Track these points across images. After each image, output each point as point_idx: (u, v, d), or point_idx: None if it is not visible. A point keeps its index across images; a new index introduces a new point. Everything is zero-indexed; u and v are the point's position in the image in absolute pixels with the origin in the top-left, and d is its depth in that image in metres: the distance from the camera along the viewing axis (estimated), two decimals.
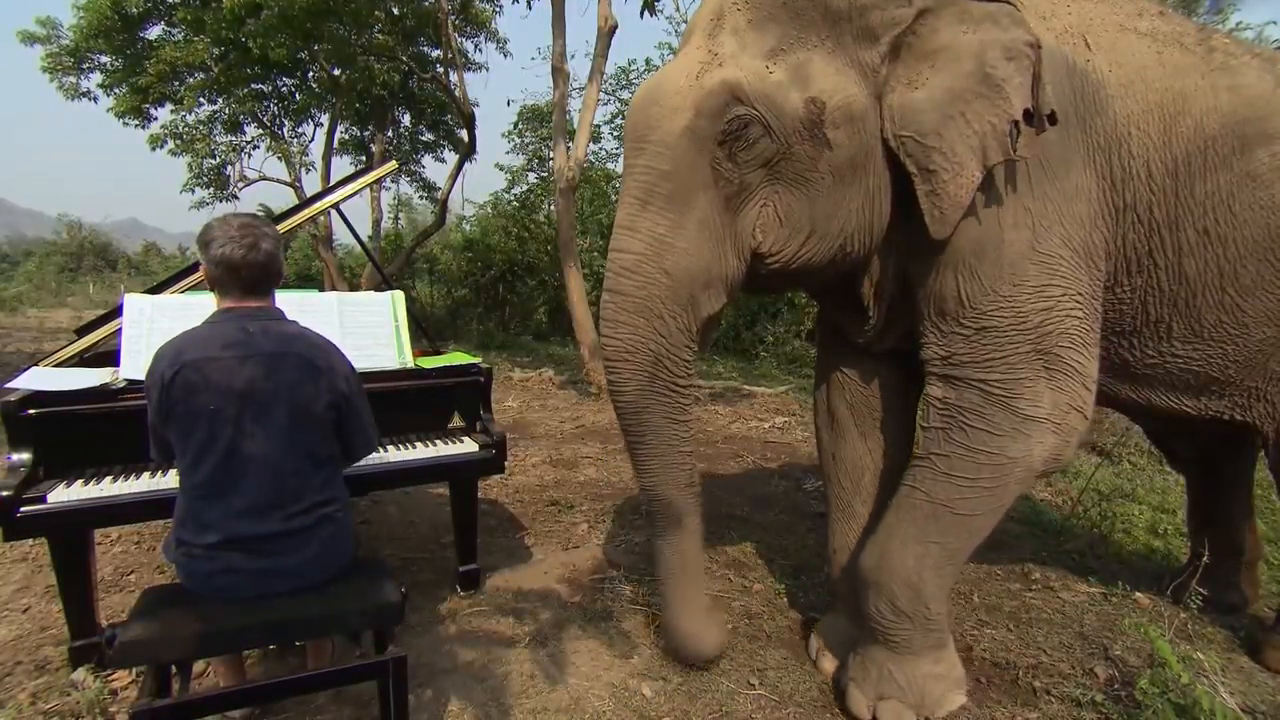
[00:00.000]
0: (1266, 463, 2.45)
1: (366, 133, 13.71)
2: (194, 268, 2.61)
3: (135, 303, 2.44)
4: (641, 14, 5.56)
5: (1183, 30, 2.07)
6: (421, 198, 15.30)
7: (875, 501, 2.39)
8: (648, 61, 11.43)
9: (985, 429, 1.91)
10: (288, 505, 1.71)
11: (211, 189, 12.68)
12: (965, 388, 1.94)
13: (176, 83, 11.14)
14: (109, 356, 2.52)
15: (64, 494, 2.05)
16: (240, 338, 1.68)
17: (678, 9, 12.03)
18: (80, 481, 2.13)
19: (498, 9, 12.00)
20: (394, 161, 4.14)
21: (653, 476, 2.03)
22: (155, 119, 11.73)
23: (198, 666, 2.23)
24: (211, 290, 1.77)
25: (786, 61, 1.74)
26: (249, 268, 1.71)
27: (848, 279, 2.08)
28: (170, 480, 2.10)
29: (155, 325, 2.37)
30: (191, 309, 2.38)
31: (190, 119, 11.86)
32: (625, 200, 1.84)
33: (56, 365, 2.47)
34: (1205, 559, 2.61)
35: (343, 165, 13.70)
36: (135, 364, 2.28)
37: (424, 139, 14.08)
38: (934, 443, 2.00)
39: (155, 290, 2.61)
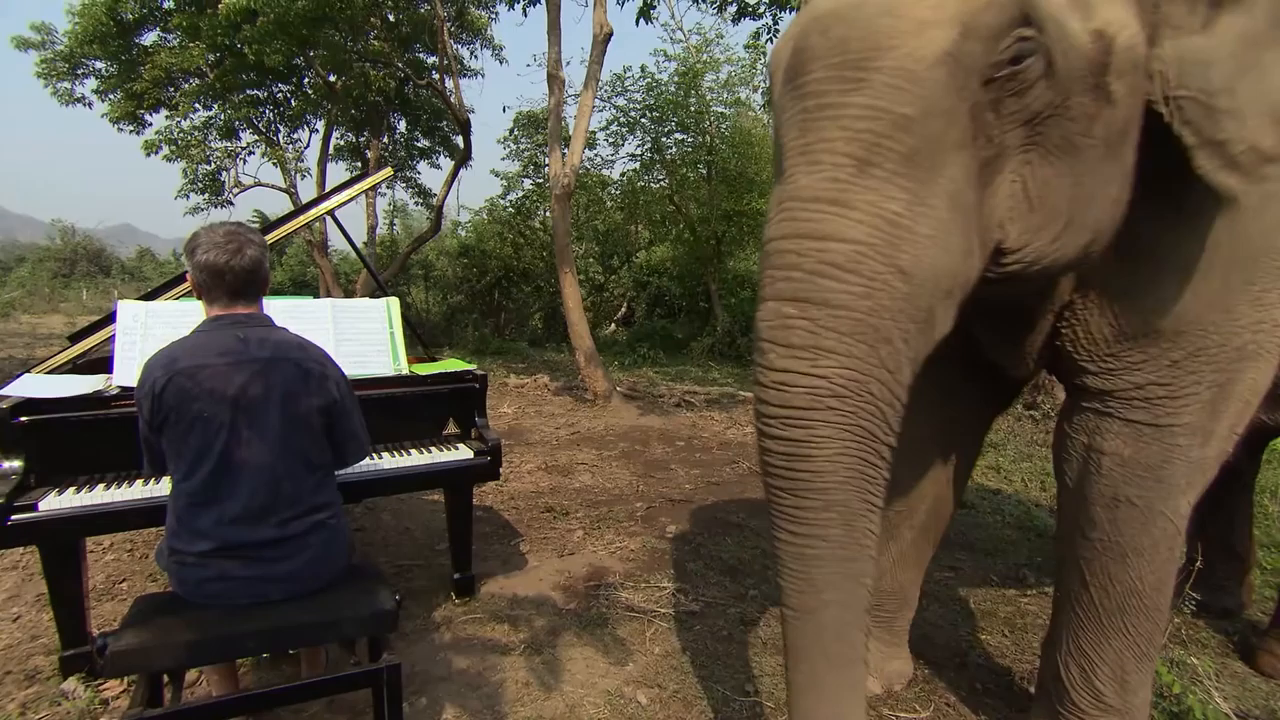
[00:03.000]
0: None
1: (362, 138, 13.73)
2: (185, 276, 2.61)
3: (129, 309, 2.43)
4: (637, 21, 5.59)
5: None
6: (417, 203, 15.35)
7: (921, 529, 2.23)
8: (643, 68, 11.46)
9: (1162, 485, 1.61)
10: (282, 511, 1.70)
11: (206, 195, 12.71)
12: (1149, 436, 1.61)
13: (171, 88, 11.18)
14: (102, 363, 2.51)
15: (55, 501, 2.04)
16: (233, 345, 1.68)
17: (673, 16, 12.12)
18: (72, 489, 2.12)
19: (493, 16, 12.07)
20: (389, 168, 4.15)
21: (817, 593, 1.33)
22: (150, 125, 11.80)
23: (190, 675, 2.21)
24: (198, 298, 1.77)
25: None
26: (233, 273, 1.71)
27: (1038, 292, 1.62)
28: (164, 487, 2.09)
29: (149, 331, 2.37)
30: (186, 316, 2.38)
31: (185, 125, 11.90)
32: (819, 160, 1.21)
33: (49, 372, 2.46)
34: (1199, 564, 2.62)
35: (338, 171, 13.80)
36: (129, 370, 2.28)
37: (419, 145, 14.13)
38: (1101, 509, 1.67)
39: (149, 297, 2.61)
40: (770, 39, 8.15)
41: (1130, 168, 1.36)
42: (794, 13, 7.64)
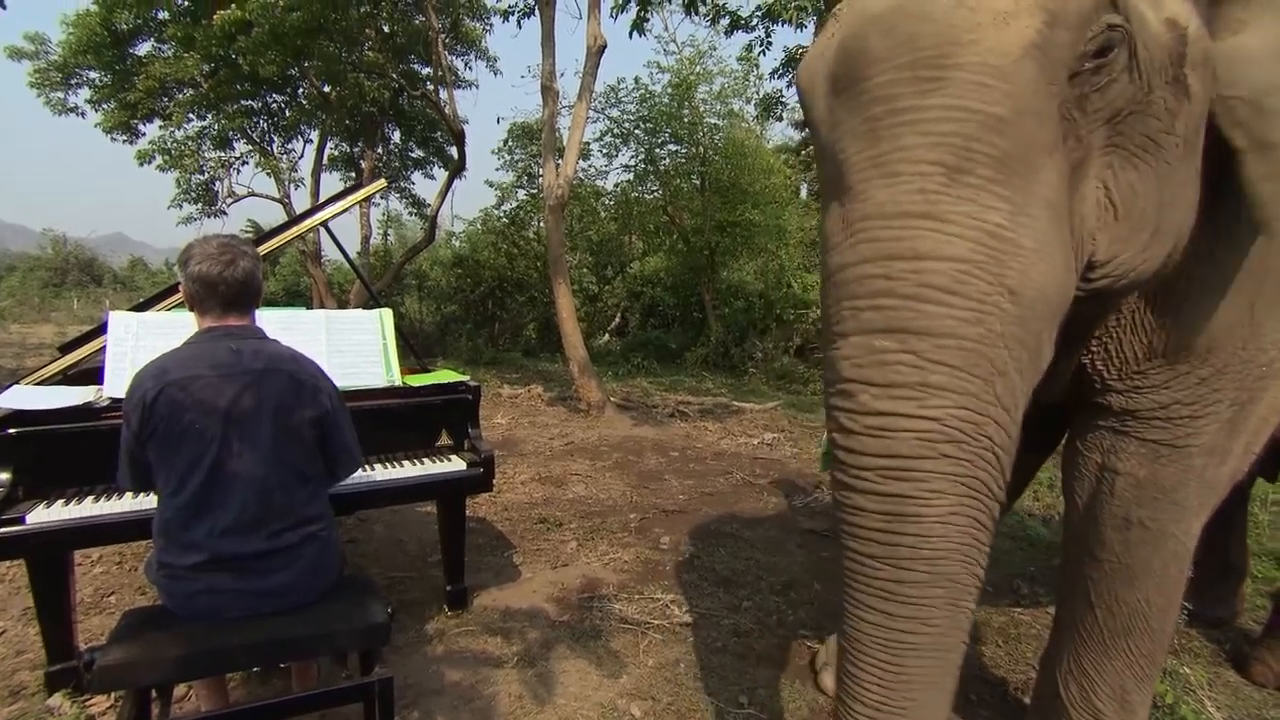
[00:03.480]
0: None
1: (356, 149, 13.74)
2: (178, 286, 2.61)
3: (120, 320, 2.42)
4: (630, 34, 5.63)
5: None
6: (411, 214, 15.33)
7: None
8: (636, 80, 11.54)
9: (1175, 507, 1.56)
10: (273, 523, 1.69)
11: (200, 204, 12.65)
12: (1166, 457, 1.55)
13: (165, 98, 11.17)
14: (93, 374, 2.49)
15: (44, 514, 2.02)
16: (225, 356, 1.67)
17: (666, 29, 12.20)
18: (61, 501, 2.09)
19: (488, 28, 12.14)
20: (383, 180, 4.16)
21: (907, 691, 1.16)
22: (143, 134, 11.75)
23: (179, 690, 2.18)
24: (191, 310, 1.76)
25: None
26: (226, 284, 1.71)
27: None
28: (154, 499, 2.07)
29: (140, 342, 2.36)
30: (178, 327, 2.36)
31: (179, 135, 11.85)
32: (897, 171, 1.08)
33: (38, 383, 2.44)
34: (1190, 574, 2.62)
35: (332, 181, 13.74)
36: (119, 382, 2.26)
37: (414, 155, 14.14)
38: (1112, 530, 1.61)
39: (141, 308, 2.59)
40: (763, 51, 8.21)
41: (1199, 169, 1.26)
42: (785, 24, 7.71)
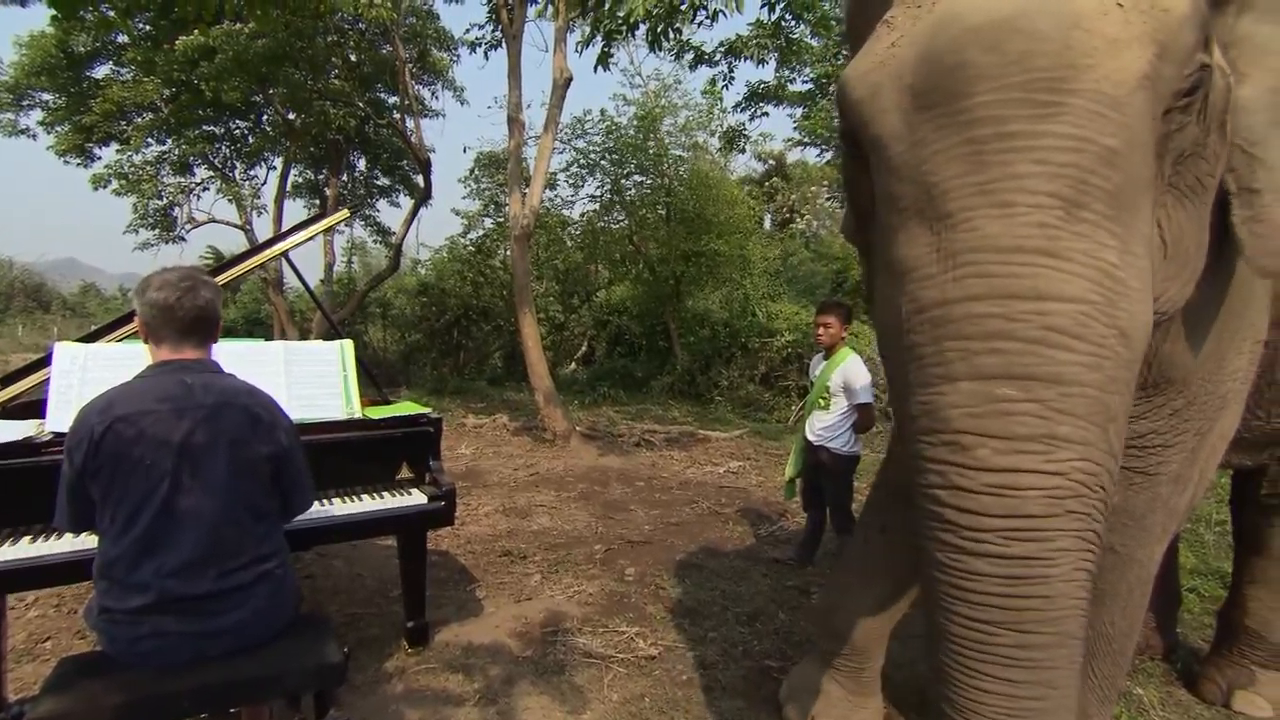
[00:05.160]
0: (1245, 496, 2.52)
1: (321, 176, 13.63)
2: (131, 316, 2.54)
3: (66, 351, 2.34)
4: (595, 69, 5.73)
5: None
6: (376, 241, 15.20)
7: (897, 581, 2.18)
8: (603, 112, 11.71)
9: (1144, 533, 1.60)
10: (225, 561, 1.64)
11: (157, 230, 12.37)
12: (1139, 484, 1.57)
13: (123, 122, 10.95)
14: (35, 407, 2.40)
15: None
16: (178, 390, 1.63)
17: (632, 62, 12.45)
18: None
19: (455, 58, 12.22)
20: (346, 210, 4.15)
21: None
22: (99, 158, 11.48)
23: None
24: (145, 341, 1.71)
25: None
26: (185, 310, 1.67)
27: None
28: (96, 540, 1.99)
29: (88, 375, 2.28)
30: (129, 359, 2.29)
31: (137, 159, 11.61)
32: (1011, 202, 1.01)
33: None
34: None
35: (296, 208, 13.59)
36: (63, 415, 2.18)
37: (379, 183, 14.07)
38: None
39: (91, 338, 2.52)
40: (726, 85, 8.40)
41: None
42: (747, 59, 7.91)
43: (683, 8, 4.53)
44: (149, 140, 11.28)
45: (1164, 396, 1.51)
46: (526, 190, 7.24)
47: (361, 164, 13.81)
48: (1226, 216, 1.27)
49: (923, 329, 1.07)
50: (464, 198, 14.28)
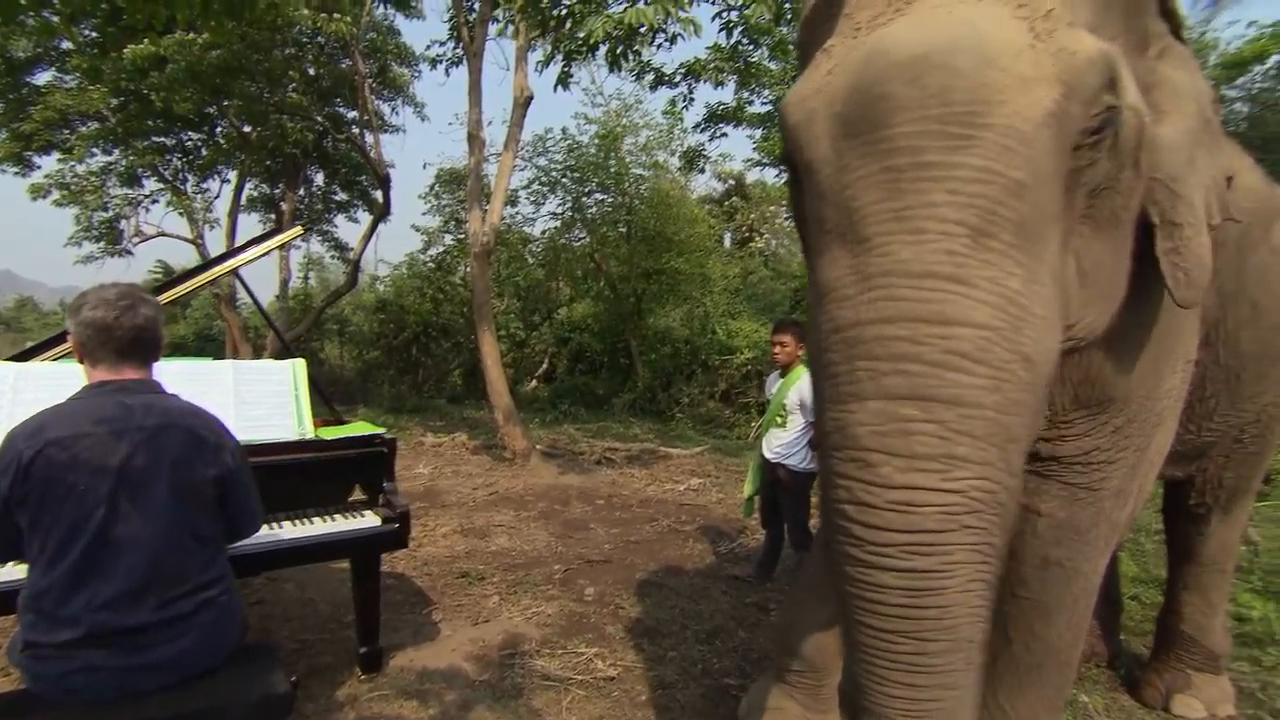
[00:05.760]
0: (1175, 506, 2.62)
1: (276, 190, 13.33)
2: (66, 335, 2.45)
3: None
4: (555, 88, 5.77)
5: None
6: (333, 257, 14.93)
7: None
8: (564, 130, 11.78)
9: (1088, 546, 1.66)
10: (166, 590, 1.58)
11: (102, 243, 11.93)
12: (1084, 499, 1.63)
13: (66, 131, 10.57)
14: None
15: None
16: (116, 412, 1.57)
17: (593, 82, 12.57)
18: None
19: (416, 74, 12.16)
20: (299, 226, 4.08)
21: None
22: (39, 167, 11.04)
23: None
24: (81, 362, 1.65)
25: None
26: (123, 329, 1.61)
27: None
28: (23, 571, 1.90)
29: (18, 396, 2.19)
30: (64, 379, 2.21)
31: (81, 169, 11.21)
32: (923, 229, 1.06)
33: None
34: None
35: (250, 223, 13.32)
36: None
37: (337, 198, 13.83)
38: (1032, 569, 1.67)
39: (23, 357, 2.42)
40: (686, 106, 8.56)
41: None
42: (706, 81, 8.07)
43: (641, 30, 4.60)
44: (94, 150, 10.91)
45: (1106, 415, 1.57)
46: (487, 207, 7.22)
47: (319, 179, 13.58)
48: (1154, 247, 1.35)
49: (838, 348, 1.12)
50: (424, 214, 14.21)
